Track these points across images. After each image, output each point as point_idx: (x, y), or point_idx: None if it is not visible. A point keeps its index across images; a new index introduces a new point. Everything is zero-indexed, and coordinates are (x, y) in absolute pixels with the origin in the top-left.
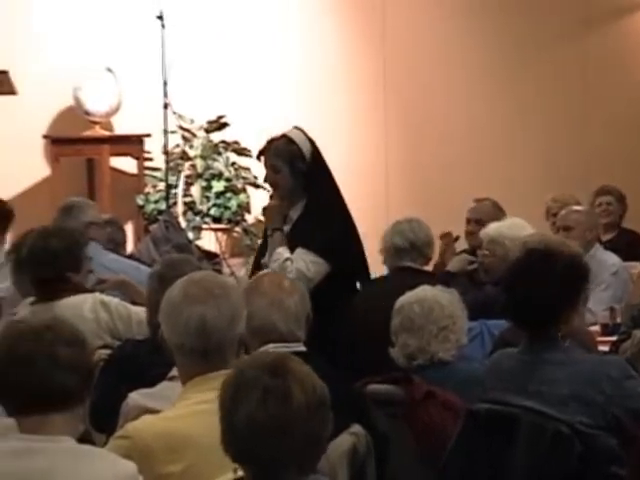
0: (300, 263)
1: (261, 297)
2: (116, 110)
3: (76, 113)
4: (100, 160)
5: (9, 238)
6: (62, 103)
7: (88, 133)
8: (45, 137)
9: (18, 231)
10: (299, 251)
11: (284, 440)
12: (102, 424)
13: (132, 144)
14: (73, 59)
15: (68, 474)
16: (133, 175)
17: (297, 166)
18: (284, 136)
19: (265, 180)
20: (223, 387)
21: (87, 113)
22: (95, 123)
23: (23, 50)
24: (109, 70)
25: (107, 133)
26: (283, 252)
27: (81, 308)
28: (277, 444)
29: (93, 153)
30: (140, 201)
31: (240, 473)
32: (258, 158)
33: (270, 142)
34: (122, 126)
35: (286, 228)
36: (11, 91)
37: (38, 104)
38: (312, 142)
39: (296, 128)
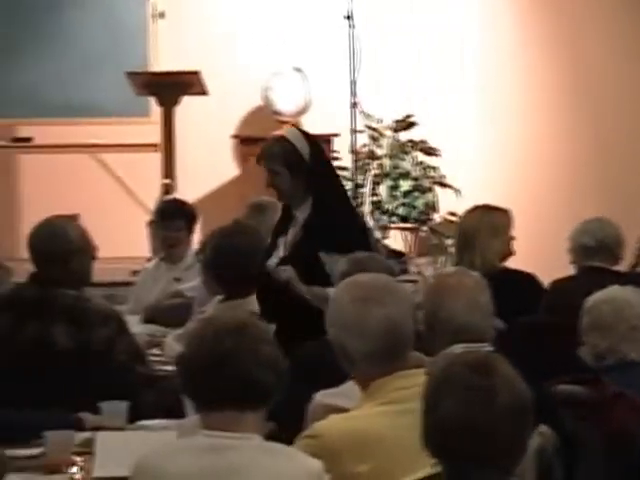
0: None
1: (458, 297)
2: (305, 110)
3: (265, 113)
4: None
5: (196, 238)
6: (251, 103)
7: (277, 133)
8: (234, 137)
9: (207, 230)
10: (332, 261)
11: (484, 440)
12: (287, 424)
13: (320, 143)
14: (262, 59)
15: (260, 471)
16: None
17: (295, 167)
18: (280, 137)
19: (266, 185)
20: (428, 382)
21: (276, 113)
22: (284, 123)
23: (213, 51)
24: (298, 70)
25: None
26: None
27: None
28: (476, 443)
29: None
30: None
31: (438, 469)
32: (258, 163)
33: (266, 145)
34: (310, 125)
35: (293, 230)
36: (202, 91)
37: (228, 104)
38: (311, 141)
39: (293, 127)
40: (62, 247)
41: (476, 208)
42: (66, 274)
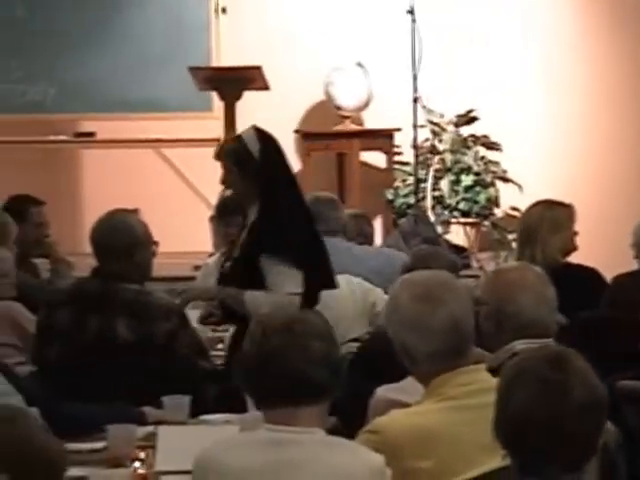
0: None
1: (525, 291)
2: (366, 104)
3: (327, 108)
4: (350, 154)
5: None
6: (313, 98)
7: (339, 128)
8: (296, 132)
9: None
10: (270, 264)
11: (555, 435)
12: (349, 418)
13: (382, 138)
14: (324, 54)
15: (321, 464)
16: (382, 169)
17: (245, 167)
18: (236, 136)
19: (220, 182)
20: (502, 374)
21: (338, 108)
22: (345, 118)
23: (275, 46)
24: (360, 65)
25: (357, 127)
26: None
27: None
28: (548, 438)
29: (343, 147)
30: (389, 195)
31: (507, 462)
32: (216, 159)
33: (224, 143)
34: (372, 120)
35: (244, 231)
36: (264, 86)
37: (290, 99)
38: (266, 142)
39: (252, 127)
40: (124, 241)
41: (538, 203)
42: (128, 268)
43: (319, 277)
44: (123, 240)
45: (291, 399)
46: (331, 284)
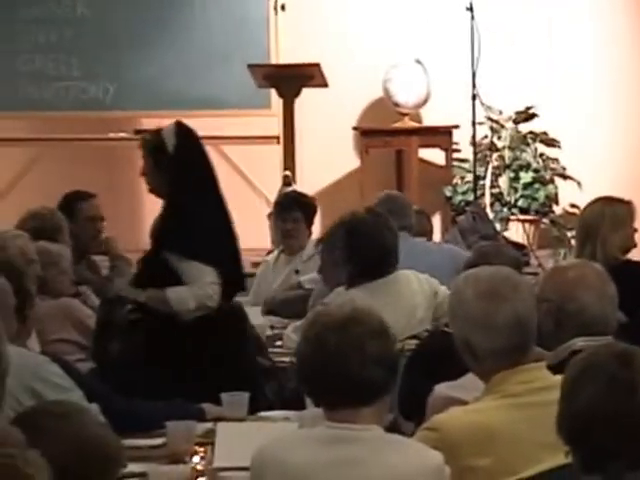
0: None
1: (587, 288)
2: (425, 101)
3: (385, 105)
4: (409, 151)
5: (316, 230)
6: (372, 95)
7: (397, 125)
8: (355, 129)
9: (327, 222)
10: (179, 261)
11: (620, 431)
12: (410, 413)
13: (440, 135)
14: (383, 51)
15: (381, 462)
16: (441, 166)
17: (159, 162)
18: (156, 130)
19: (140, 174)
20: (569, 370)
21: (396, 105)
22: (404, 115)
23: (334, 43)
24: (418, 62)
25: (416, 125)
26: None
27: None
28: (612, 434)
29: (402, 145)
30: (448, 192)
31: (568, 460)
32: (139, 148)
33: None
34: (431, 117)
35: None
36: (322, 83)
37: (348, 96)
38: (185, 137)
39: (175, 122)
40: None
41: (598, 200)
42: None
43: (230, 278)
44: None
45: (349, 400)
46: (240, 285)
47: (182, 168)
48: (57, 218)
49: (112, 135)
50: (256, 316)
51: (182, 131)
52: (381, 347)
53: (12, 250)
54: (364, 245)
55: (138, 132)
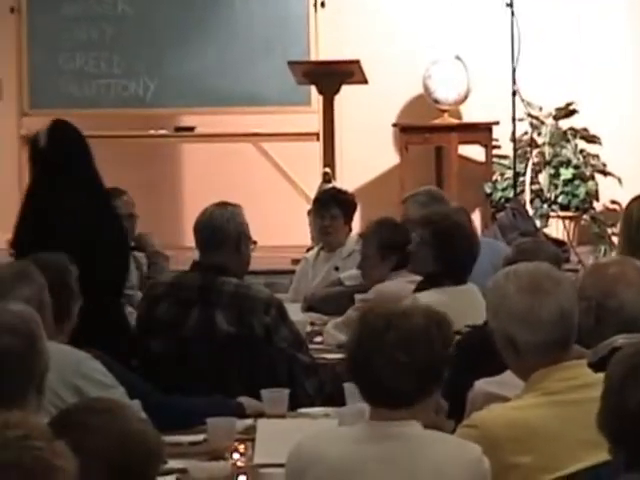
0: None
1: (629, 286)
2: (465, 98)
3: (425, 101)
4: (449, 148)
5: (356, 227)
6: (411, 91)
7: (437, 121)
8: (395, 125)
9: (367, 219)
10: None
11: None
12: (451, 410)
13: (480, 132)
14: (423, 47)
15: (420, 459)
16: (481, 163)
17: (32, 157)
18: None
19: None
20: (612, 368)
21: (436, 101)
22: (444, 111)
23: (373, 40)
24: (458, 58)
25: (456, 121)
26: None
27: None
28: None
29: (442, 141)
30: (488, 189)
31: (608, 457)
32: None
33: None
34: (470, 114)
35: None
36: (362, 80)
37: (388, 93)
38: (57, 138)
39: (53, 120)
40: (225, 235)
41: None
42: (230, 261)
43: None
44: (224, 234)
45: (384, 404)
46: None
47: (43, 169)
48: None
49: (153, 132)
50: (296, 313)
51: (56, 132)
52: (413, 357)
53: None
54: (458, 246)
55: (179, 129)
